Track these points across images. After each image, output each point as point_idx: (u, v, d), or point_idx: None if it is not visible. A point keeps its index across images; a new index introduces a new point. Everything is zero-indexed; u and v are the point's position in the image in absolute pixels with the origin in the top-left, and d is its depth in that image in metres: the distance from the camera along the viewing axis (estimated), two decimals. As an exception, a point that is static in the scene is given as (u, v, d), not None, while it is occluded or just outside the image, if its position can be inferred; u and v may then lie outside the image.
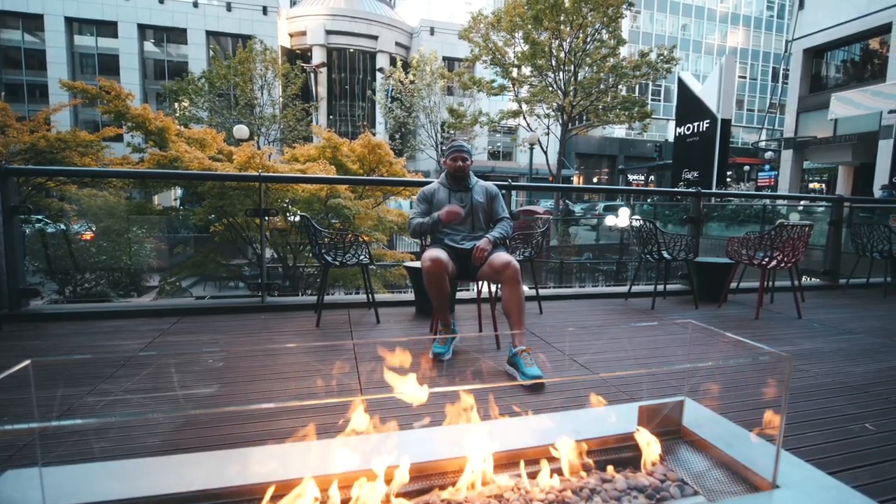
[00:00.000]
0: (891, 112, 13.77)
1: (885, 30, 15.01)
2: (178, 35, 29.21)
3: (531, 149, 20.05)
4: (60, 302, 6.30)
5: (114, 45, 28.14)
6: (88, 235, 7.19)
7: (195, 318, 3.40)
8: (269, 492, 1.10)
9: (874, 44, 16.20)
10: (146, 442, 1.66)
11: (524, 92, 20.63)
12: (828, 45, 17.24)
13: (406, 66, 28.18)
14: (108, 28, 28.02)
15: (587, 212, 22.20)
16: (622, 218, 13.65)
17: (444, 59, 29.11)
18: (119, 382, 2.18)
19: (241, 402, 2.01)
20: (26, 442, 1.62)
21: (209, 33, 29.10)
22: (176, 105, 22.08)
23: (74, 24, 27.85)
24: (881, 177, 14.67)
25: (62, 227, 6.85)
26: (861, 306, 4.22)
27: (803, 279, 5.76)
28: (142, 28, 28.54)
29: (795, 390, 2.22)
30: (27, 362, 0.99)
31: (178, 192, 11.26)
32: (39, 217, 6.78)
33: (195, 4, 28.52)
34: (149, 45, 29.46)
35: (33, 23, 27.16)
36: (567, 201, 21.97)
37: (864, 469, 1.55)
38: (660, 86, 36.38)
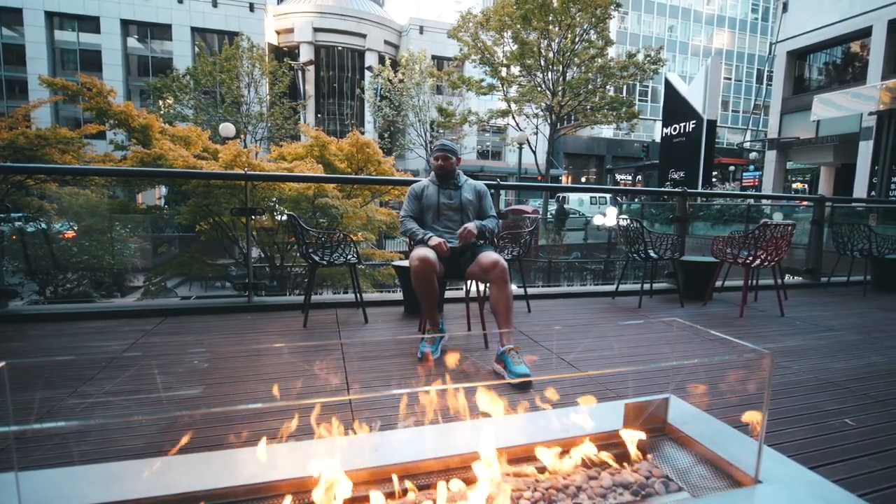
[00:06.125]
0: (871, 114, 14.06)
1: (865, 33, 15.32)
2: (162, 31, 28.76)
3: (520, 148, 20.13)
4: (41, 303, 6.17)
5: (96, 40, 27.61)
6: (70, 234, 7.05)
7: (180, 318, 3.35)
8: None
9: (855, 47, 16.52)
10: (128, 445, 1.63)
11: (513, 91, 20.72)
12: (811, 48, 17.55)
13: (395, 64, 28.10)
14: (89, 23, 27.49)
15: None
16: (610, 217, 13.77)
17: (434, 57, 29.08)
18: (101, 384, 2.14)
19: (227, 404, 1.99)
20: (2, 447, 1.59)
21: (194, 29, 28.70)
22: (160, 102, 21.77)
23: (55, 19, 27.28)
24: (861, 178, 14.98)
25: (43, 226, 6.70)
26: (842, 304, 4.31)
27: (786, 277, 5.85)
28: (125, 23, 28.05)
29: (777, 387, 2.25)
30: (1, 364, 0.97)
31: (163, 190, 11.11)
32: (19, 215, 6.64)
33: (180, 0, 28.11)
34: (132, 41, 28.97)
35: (12, 17, 26.54)
36: (562, 198, 22.16)
37: (844, 464, 1.58)
38: (647, 86, 36.73)
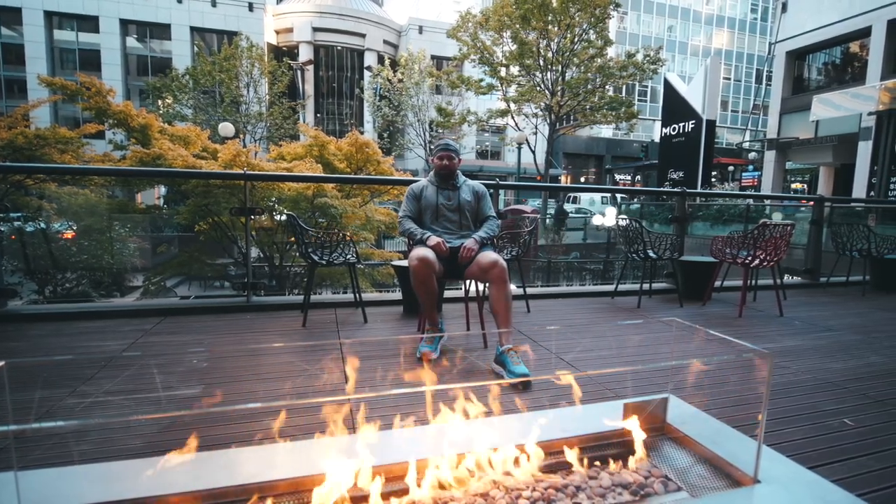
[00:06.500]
0: (870, 114, 14.07)
1: (864, 33, 15.33)
2: (161, 31, 28.74)
3: (519, 148, 20.12)
4: (40, 302, 6.17)
5: (95, 40, 27.60)
6: (69, 234, 7.04)
7: (179, 318, 3.35)
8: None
9: (854, 47, 16.53)
10: (128, 444, 1.63)
11: (512, 91, 20.71)
12: (810, 48, 17.56)
13: (394, 64, 28.10)
14: (88, 23, 27.47)
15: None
16: (609, 217, 13.79)
17: (433, 57, 29.07)
18: (100, 384, 2.14)
19: (226, 403, 1.99)
20: (1, 446, 1.58)
21: (193, 29, 28.68)
22: (159, 102, 21.74)
23: (54, 19, 27.26)
24: (860, 178, 14.99)
25: (42, 225, 6.70)
26: (841, 304, 4.31)
27: (785, 277, 5.86)
28: (124, 23, 28.03)
29: (776, 387, 2.25)
30: (1, 363, 0.97)
31: (162, 190, 11.11)
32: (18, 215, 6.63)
33: (179, 0, 28.09)
34: (131, 41, 28.95)
35: (11, 16, 26.50)
36: (572, 198, 22.34)
37: (843, 463, 1.59)
38: (646, 86, 36.74)
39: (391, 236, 10.87)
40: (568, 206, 23.36)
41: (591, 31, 18.88)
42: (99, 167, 6.48)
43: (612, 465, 1.31)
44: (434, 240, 2.65)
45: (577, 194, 23.67)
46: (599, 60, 19.36)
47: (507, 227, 8.72)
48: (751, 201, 11.77)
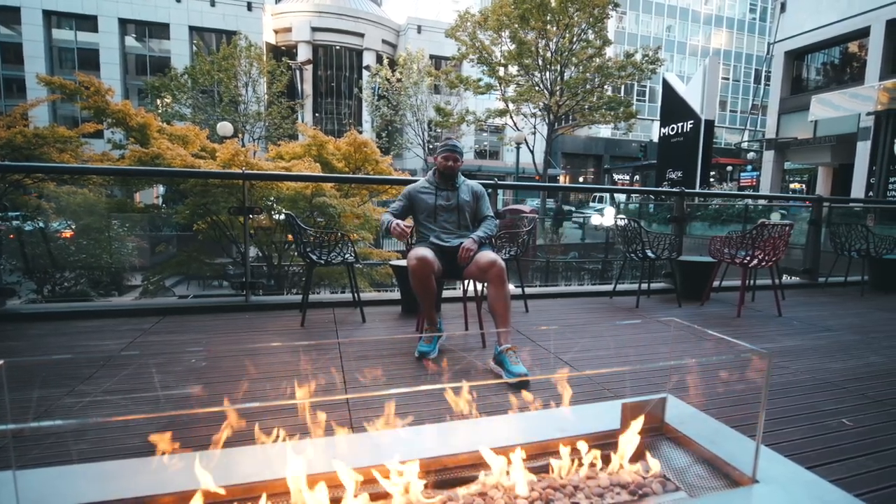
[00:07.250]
0: (868, 114, 14.10)
1: (863, 33, 15.36)
2: (160, 30, 28.72)
3: (518, 148, 20.12)
4: (38, 302, 6.16)
5: (94, 39, 27.57)
6: (68, 233, 7.03)
7: (177, 317, 3.35)
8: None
9: (853, 47, 16.56)
10: (126, 443, 1.63)
11: (511, 91, 20.71)
12: (808, 48, 17.59)
13: (393, 63, 28.09)
14: (87, 22, 27.44)
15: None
16: (607, 217, 13.80)
17: (431, 57, 29.06)
18: (98, 383, 2.13)
19: (224, 403, 1.98)
20: (0, 445, 1.58)
21: (192, 28, 28.66)
22: (158, 101, 21.70)
23: (53, 18, 27.22)
24: (859, 178, 15.01)
25: (40, 224, 6.68)
26: (839, 304, 4.32)
27: (783, 277, 5.86)
28: (123, 22, 28.00)
29: (775, 387, 2.26)
30: (0, 362, 0.96)
31: (161, 189, 11.09)
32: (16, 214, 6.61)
33: (178, -1, 28.08)
34: (130, 40, 28.92)
35: (10, 15, 26.45)
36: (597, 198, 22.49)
37: (841, 464, 1.59)
38: (645, 86, 36.77)
39: (390, 236, 10.87)
40: (595, 205, 23.46)
41: (590, 31, 18.89)
42: (97, 166, 6.47)
43: (611, 465, 1.31)
44: (394, 226, 2.57)
45: (604, 194, 23.73)
46: (598, 60, 19.37)
47: (506, 226, 8.72)
48: (749, 201, 11.78)
